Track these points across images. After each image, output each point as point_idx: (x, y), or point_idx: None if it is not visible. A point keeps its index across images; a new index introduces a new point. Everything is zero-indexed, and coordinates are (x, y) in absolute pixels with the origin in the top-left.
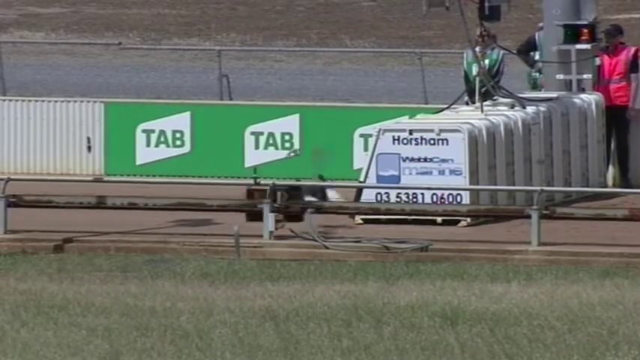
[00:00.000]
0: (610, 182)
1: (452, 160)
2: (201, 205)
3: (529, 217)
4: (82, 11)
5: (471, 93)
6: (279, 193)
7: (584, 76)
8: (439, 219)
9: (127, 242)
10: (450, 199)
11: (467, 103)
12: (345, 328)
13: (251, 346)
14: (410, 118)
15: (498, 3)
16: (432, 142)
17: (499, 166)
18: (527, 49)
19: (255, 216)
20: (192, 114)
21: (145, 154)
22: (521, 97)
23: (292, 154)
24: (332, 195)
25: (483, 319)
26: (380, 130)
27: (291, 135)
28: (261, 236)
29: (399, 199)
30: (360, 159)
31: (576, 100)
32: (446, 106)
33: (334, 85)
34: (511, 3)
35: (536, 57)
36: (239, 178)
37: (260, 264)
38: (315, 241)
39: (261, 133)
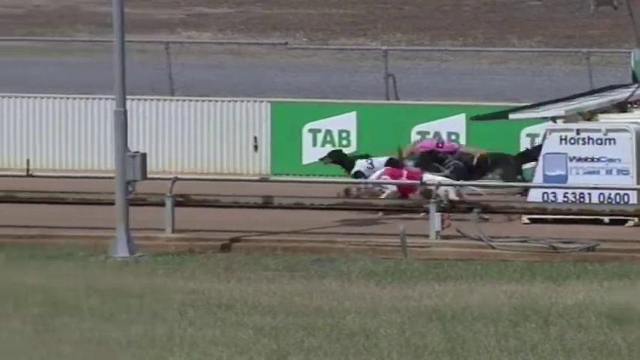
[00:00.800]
0: None
1: (619, 159)
2: (367, 205)
3: None
4: (249, 11)
5: None
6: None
7: None
8: (606, 219)
9: (294, 242)
10: (618, 199)
11: None
12: (512, 328)
13: (417, 346)
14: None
15: None
16: (599, 141)
17: None
18: None
19: None
20: (358, 114)
21: (311, 153)
22: None
23: None
24: None
25: None
26: (547, 130)
27: (457, 135)
28: (427, 236)
29: (566, 199)
30: None
31: None
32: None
33: (501, 84)
34: None
35: None
36: None
37: (426, 264)
38: (482, 241)
39: (428, 133)
